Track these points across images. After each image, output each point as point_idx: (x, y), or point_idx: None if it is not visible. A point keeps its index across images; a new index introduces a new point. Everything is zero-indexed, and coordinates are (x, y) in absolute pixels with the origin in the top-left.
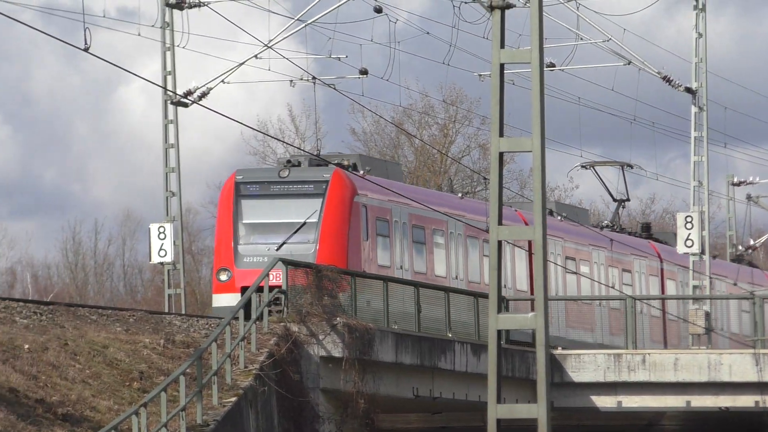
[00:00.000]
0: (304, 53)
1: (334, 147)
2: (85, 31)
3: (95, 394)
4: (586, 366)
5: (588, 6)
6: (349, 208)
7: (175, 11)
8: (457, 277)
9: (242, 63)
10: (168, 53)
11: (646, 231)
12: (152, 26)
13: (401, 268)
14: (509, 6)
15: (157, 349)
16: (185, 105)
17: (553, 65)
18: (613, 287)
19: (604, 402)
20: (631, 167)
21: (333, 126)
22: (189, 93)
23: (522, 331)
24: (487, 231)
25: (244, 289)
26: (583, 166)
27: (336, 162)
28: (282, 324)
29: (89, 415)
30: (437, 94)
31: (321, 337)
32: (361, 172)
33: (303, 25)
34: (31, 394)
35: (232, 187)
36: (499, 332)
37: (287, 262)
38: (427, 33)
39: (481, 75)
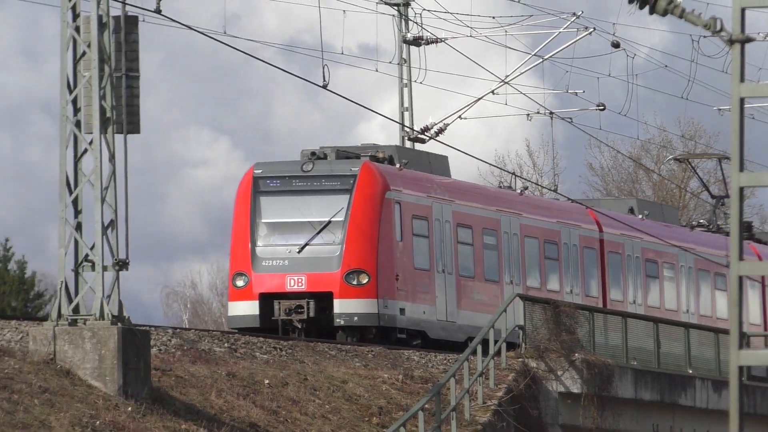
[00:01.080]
0: (541, 88)
1: (572, 182)
2: (323, 68)
3: (335, 429)
4: None
5: None
6: (380, 206)
7: (413, 48)
8: (512, 282)
9: (479, 98)
10: (405, 89)
11: (747, 231)
12: (390, 62)
13: (443, 271)
14: (749, 40)
15: (396, 384)
16: (422, 141)
17: None
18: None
19: None
20: (729, 159)
21: (571, 161)
22: (426, 129)
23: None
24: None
25: (262, 296)
26: (676, 159)
27: (369, 154)
28: (520, 360)
29: None
30: (675, 129)
31: (559, 373)
32: (398, 165)
33: (540, 60)
34: (272, 429)
35: (250, 182)
36: (740, 368)
37: (524, 297)
38: (666, 67)
39: (720, 109)
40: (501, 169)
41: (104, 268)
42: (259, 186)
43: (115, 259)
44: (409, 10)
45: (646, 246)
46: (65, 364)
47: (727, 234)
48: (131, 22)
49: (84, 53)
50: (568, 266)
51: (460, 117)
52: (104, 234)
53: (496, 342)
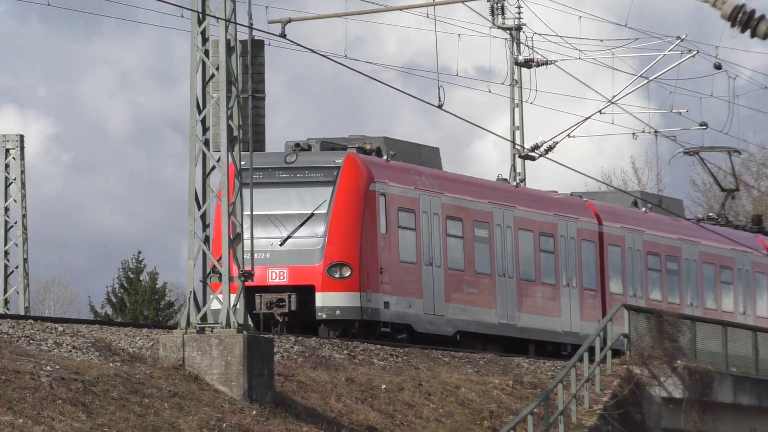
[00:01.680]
0: (646, 108)
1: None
2: (439, 89)
3: None
4: None
5: None
6: (364, 198)
7: (524, 69)
8: (504, 275)
9: (587, 118)
10: (517, 109)
11: (757, 224)
12: (502, 84)
13: (431, 264)
14: None
15: (506, 389)
16: (532, 158)
17: None
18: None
19: None
20: (739, 153)
21: (674, 177)
22: (536, 147)
23: None
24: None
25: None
26: (686, 152)
27: (357, 146)
28: (624, 366)
29: None
30: None
31: (662, 379)
32: (385, 157)
33: (646, 81)
34: None
35: (233, 173)
36: None
37: (629, 308)
38: (766, 88)
39: None
40: (607, 184)
41: (230, 279)
42: (242, 178)
43: (241, 271)
44: (521, 33)
45: (647, 239)
46: (193, 369)
47: (736, 227)
48: (257, 45)
49: (213, 75)
50: (566, 259)
51: (569, 135)
52: (231, 246)
53: (601, 349)
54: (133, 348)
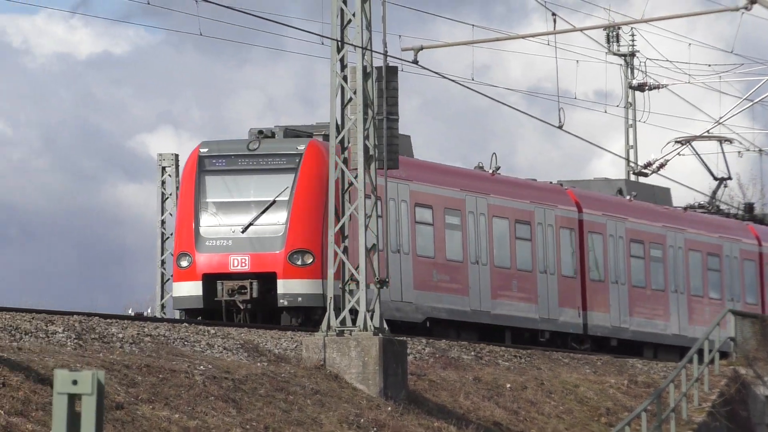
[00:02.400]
0: (751, 128)
1: None
2: (560, 111)
3: (568, 428)
4: None
5: None
6: (326, 185)
7: (638, 93)
8: (478, 262)
9: (695, 137)
10: (631, 129)
11: (749, 212)
12: (617, 106)
13: (398, 251)
14: None
15: (622, 388)
16: (645, 175)
17: None
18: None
19: None
20: (731, 142)
21: None
22: (649, 164)
23: None
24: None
25: (205, 277)
26: (678, 141)
27: (323, 133)
28: (731, 367)
29: None
30: None
31: (766, 379)
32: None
33: (751, 103)
34: (513, 427)
35: (195, 161)
36: None
37: (735, 313)
38: None
39: None
40: (712, 198)
41: (367, 286)
42: (205, 165)
43: (376, 278)
44: (635, 59)
45: (630, 227)
46: (333, 369)
47: (727, 215)
48: (392, 71)
49: (350, 99)
50: (545, 247)
51: (679, 154)
52: (367, 256)
53: (709, 351)
54: (278, 349)
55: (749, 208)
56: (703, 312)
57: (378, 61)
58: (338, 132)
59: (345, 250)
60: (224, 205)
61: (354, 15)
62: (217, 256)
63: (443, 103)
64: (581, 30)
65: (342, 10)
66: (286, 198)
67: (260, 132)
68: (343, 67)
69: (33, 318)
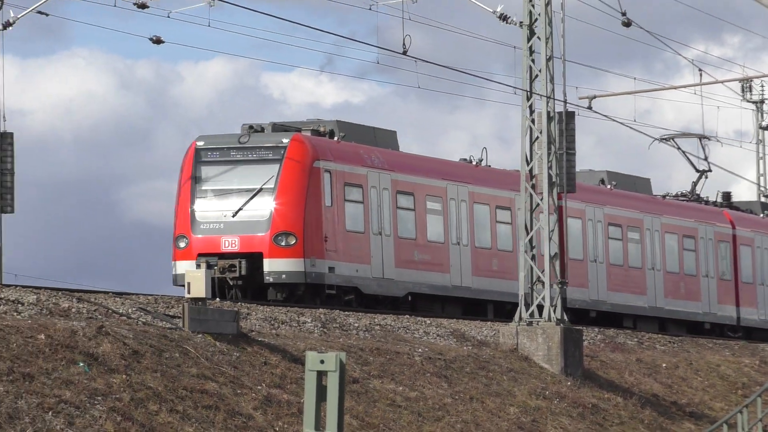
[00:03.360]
0: None
1: None
2: (704, 148)
3: (711, 398)
4: None
5: None
6: (308, 174)
7: (767, 132)
8: (459, 243)
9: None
10: (761, 161)
11: (726, 200)
12: (750, 142)
13: (379, 233)
14: None
15: (754, 367)
16: None
17: None
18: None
19: None
20: (708, 139)
21: None
22: None
23: None
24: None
25: (200, 256)
26: (662, 139)
27: (311, 128)
28: None
29: (707, 413)
30: None
31: None
32: (336, 138)
33: None
34: (667, 398)
35: (193, 153)
36: None
37: None
38: None
39: None
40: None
41: (550, 286)
42: (201, 156)
43: (558, 280)
44: (764, 105)
45: (609, 212)
46: (524, 352)
47: (705, 202)
48: (570, 116)
49: (537, 138)
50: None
51: None
52: (550, 262)
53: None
54: (480, 336)
55: (727, 196)
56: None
57: (559, 107)
58: (527, 164)
59: (533, 257)
60: (217, 192)
61: (540, 71)
62: (211, 238)
63: (612, 141)
64: (722, 82)
65: (530, 68)
66: (272, 186)
67: (251, 127)
68: (532, 112)
69: (288, 311)
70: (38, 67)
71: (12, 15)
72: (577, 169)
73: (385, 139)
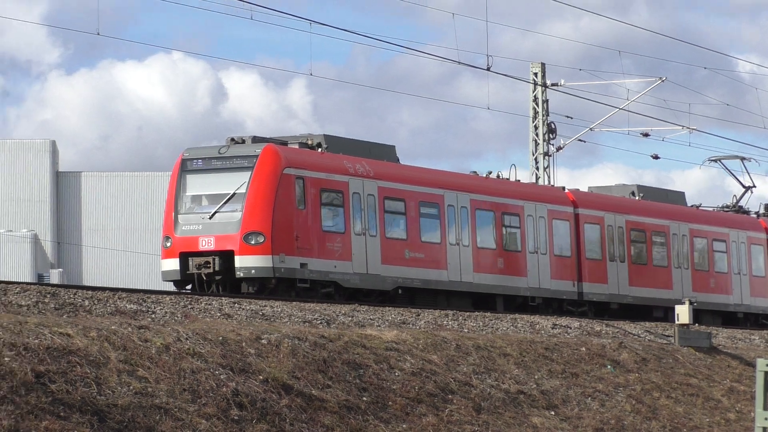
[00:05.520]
0: None
1: None
2: None
3: None
4: None
5: None
6: (277, 180)
7: None
8: (459, 244)
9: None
10: None
11: (766, 210)
12: None
13: (362, 233)
14: None
15: None
16: None
17: None
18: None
19: None
20: (749, 160)
21: None
22: None
23: None
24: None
25: (181, 255)
26: (711, 160)
27: (299, 141)
28: None
29: None
30: None
31: None
32: (320, 150)
33: None
34: None
35: (179, 163)
36: None
37: None
38: None
39: None
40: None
41: None
42: (186, 166)
43: None
44: None
45: (631, 219)
46: None
47: (746, 213)
48: None
49: None
50: (534, 233)
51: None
52: None
53: None
54: None
55: (767, 207)
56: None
57: None
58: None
59: None
60: (197, 197)
61: None
62: (190, 237)
63: None
64: None
65: None
66: (244, 191)
67: (232, 139)
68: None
69: (742, 332)
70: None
71: (562, 142)
72: (612, 183)
73: (383, 152)
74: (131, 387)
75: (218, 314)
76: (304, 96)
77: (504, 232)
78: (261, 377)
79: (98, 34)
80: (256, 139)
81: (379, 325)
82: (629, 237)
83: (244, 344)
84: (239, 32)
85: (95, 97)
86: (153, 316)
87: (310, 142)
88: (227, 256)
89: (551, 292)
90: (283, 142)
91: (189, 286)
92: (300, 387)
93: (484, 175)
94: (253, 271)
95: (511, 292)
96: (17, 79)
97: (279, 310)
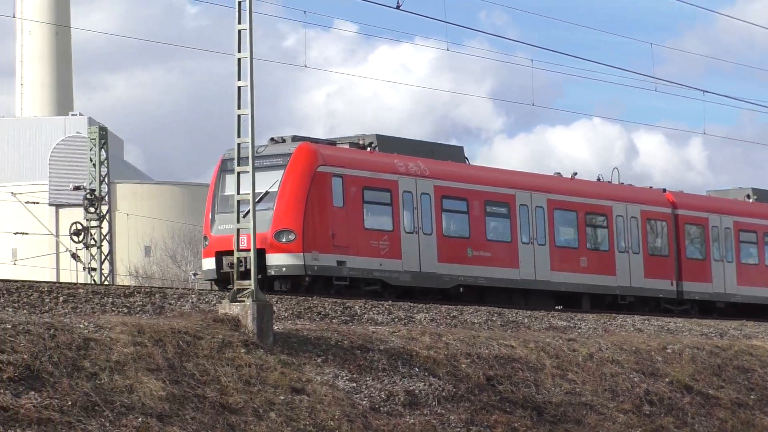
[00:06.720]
0: None
1: None
2: None
3: None
4: None
5: None
6: (310, 178)
7: None
8: (533, 242)
9: None
10: None
11: None
12: None
13: (415, 232)
14: None
15: None
16: None
17: None
18: None
19: None
20: None
21: None
22: None
23: None
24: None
25: (217, 254)
26: None
27: (351, 141)
28: None
29: None
30: None
31: None
32: (368, 149)
33: None
34: None
35: (220, 163)
36: None
37: None
38: None
39: None
40: None
41: None
42: (225, 166)
43: None
44: None
45: (739, 220)
46: None
47: None
48: None
49: None
50: (625, 234)
51: None
52: None
53: None
54: None
55: None
56: None
57: None
58: None
59: None
60: (233, 197)
61: None
62: (225, 237)
63: None
64: None
65: None
66: (276, 189)
67: (272, 139)
68: None
69: None
70: None
71: None
72: (728, 187)
73: (447, 153)
74: (563, 387)
75: (631, 329)
76: (701, 152)
77: (588, 232)
78: (667, 380)
79: (533, 104)
80: (296, 139)
81: (764, 337)
82: (737, 237)
83: (653, 353)
84: (646, 101)
85: (532, 157)
86: (579, 330)
87: (361, 142)
88: (259, 255)
89: (645, 291)
90: (331, 143)
91: (230, 285)
92: (699, 387)
93: (569, 177)
94: (284, 269)
95: (599, 291)
96: (469, 142)
97: (681, 325)
